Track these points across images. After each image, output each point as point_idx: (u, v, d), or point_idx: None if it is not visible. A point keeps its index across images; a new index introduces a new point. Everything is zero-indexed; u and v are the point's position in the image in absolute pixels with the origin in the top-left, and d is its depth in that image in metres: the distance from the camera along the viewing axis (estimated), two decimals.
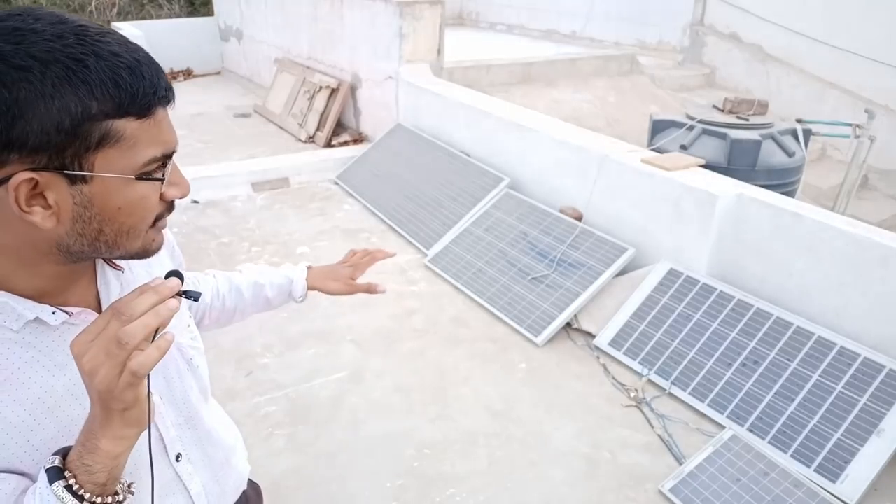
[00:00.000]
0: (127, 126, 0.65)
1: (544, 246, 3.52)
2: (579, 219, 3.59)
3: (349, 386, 2.77)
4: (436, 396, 2.73)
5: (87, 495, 0.65)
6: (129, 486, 0.71)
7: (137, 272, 0.89)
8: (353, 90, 5.98)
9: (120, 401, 0.63)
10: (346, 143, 5.84)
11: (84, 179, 0.64)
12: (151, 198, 0.70)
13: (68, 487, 0.65)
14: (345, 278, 1.28)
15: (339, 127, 6.11)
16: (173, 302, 0.64)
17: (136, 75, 0.65)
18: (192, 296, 0.69)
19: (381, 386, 2.78)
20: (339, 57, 6.06)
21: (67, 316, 0.74)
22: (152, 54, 0.70)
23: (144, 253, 0.74)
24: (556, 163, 3.87)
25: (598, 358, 3.00)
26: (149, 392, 0.75)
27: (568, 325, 3.19)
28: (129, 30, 7.87)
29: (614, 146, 3.67)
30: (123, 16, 10.57)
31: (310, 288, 1.28)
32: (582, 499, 2.24)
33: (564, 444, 2.48)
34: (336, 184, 5.05)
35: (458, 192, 4.22)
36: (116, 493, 0.69)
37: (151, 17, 10.59)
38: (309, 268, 1.30)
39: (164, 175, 0.70)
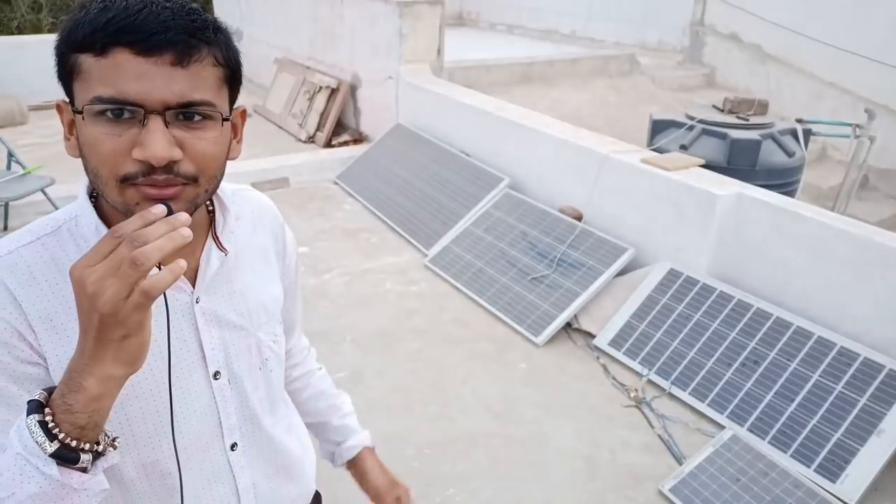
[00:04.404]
0: (85, 61, 0.66)
1: (544, 246, 3.52)
2: (579, 219, 3.59)
3: (349, 386, 2.77)
4: (435, 396, 2.73)
5: (61, 435, 0.62)
6: (113, 439, 0.68)
7: (241, 263, 0.89)
8: (353, 90, 5.98)
9: (123, 325, 0.60)
10: (346, 143, 5.84)
11: (78, 113, 0.68)
12: (104, 143, 0.66)
13: (43, 423, 0.62)
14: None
15: (339, 127, 6.11)
16: (187, 230, 0.62)
17: (106, 15, 0.65)
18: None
19: (381, 386, 2.78)
20: (339, 57, 6.06)
21: (157, 270, 0.76)
22: None
23: (128, 213, 0.67)
24: (556, 163, 3.87)
25: (598, 358, 3.00)
26: (169, 344, 0.78)
27: (568, 325, 3.19)
28: None
29: (614, 146, 3.67)
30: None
31: (355, 466, 1.19)
32: (582, 499, 2.24)
33: (564, 444, 2.48)
34: (336, 184, 5.05)
35: (458, 191, 4.22)
36: (97, 443, 0.65)
37: None
38: (372, 451, 1.22)
39: (85, 109, 0.66)
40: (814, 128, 4.19)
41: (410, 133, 5.02)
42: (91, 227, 0.76)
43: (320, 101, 6.02)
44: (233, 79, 0.75)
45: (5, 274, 0.72)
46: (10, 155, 4.13)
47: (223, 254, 0.84)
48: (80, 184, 0.77)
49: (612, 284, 3.25)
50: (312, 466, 1.09)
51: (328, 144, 5.87)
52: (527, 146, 4.07)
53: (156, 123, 0.66)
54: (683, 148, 3.73)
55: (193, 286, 0.82)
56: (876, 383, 2.38)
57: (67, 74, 0.69)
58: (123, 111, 0.66)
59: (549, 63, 6.43)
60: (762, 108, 3.97)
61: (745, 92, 6.54)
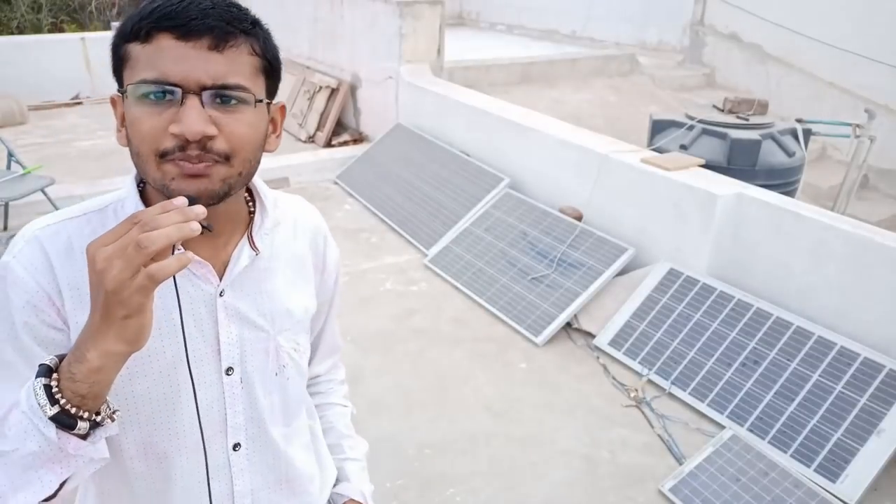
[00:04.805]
0: (133, 49, 0.72)
1: (544, 246, 3.52)
2: (579, 219, 3.59)
3: (349, 386, 2.77)
4: (436, 396, 2.73)
5: (62, 400, 0.65)
6: (113, 412, 0.71)
7: (274, 266, 0.89)
8: (353, 90, 5.98)
9: (125, 305, 0.62)
10: (346, 143, 5.84)
11: (124, 93, 0.73)
12: (144, 122, 0.70)
13: (47, 387, 0.65)
14: None
15: (339, 127, 6.11)
16: (196, 224, 0.63)
17: (152, 6, 0.70)
18: (209, 228, 0.69)
19: (381, 386, 2.78)
20: (339, 57, 6.06)
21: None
22: None
23: (164, 189, 0.72)
24: (556, 163, 3.87)
25: (598, 358, 3.00)
26: (184, 338, 0.79)
27: (568, 325, 3.19)
28: None
29: (614, 146, 3.67)
30: (123, 16, 10.57)
31: None
32: (582, 499, 2.24)
33: (564, 444, 2.48)
34: (336, 184, 5.05)
35: (458, 192, 4.22)
36: (97, 413, 0.68)
37: None
38: None
39: (129, 90, 0.71)
40: (814, 128, 4.19)
41: (410, 133, 5.02)
42: (133, 210, 0.79)
43: (320, 101, 6.01)
44: (270, 70, 0.79)
45: (47, 242, 0.77)
46: (10, 155, 4.13)
47: (254, 253, 0.86)
48: (129, 176, 0.83)
49: (612, 284, 3.25)
50: (326, 490, 1.06)
51: (328, 144, 5.87)
52: (527, 146, 4.07)
53: (192, 101, 0.70)
54: (683, 148, 3.73)
55: (222, 280, 0.84)
56: (876, 383, 2.38)
57: (119, 65, 0.74)
58: (164, 93, 0.70)
59: (549, 63, 6.43)
60: (762, 108, 3.97)
61: (745, 92, 6.54)
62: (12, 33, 9.40)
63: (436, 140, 4.78)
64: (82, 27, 10.25)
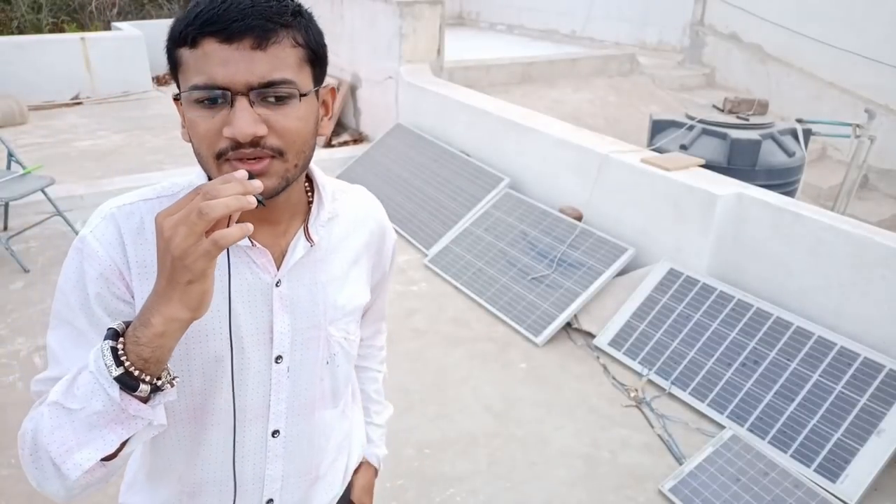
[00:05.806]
0: (183, 54, 0.74)
1: (544, 246, 3.52)
2: (579, 219, 3.59)
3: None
4: (435, 396, 2.73)
5: (126, 363, 0.68)
6: (173, 378, 0.74)
7: (329, 258, 0.92)
8: (353, 90, 5.98)
9: (190, 270, 0.65)
10: (346, 143, 5.84)
11: (178, 100, 0.77)
12: (200, 125, 0.74)
13: (114, 349, 0.68)
14: None
15: (339, 127, 6.11)
16: (252, 198, 0.66)
17: (196, 10, 0.72)
18: (262, 202, 0.72)
19: None
20: (339, 57, 6.06)
21: (251, 246, 0.83)
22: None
23: None
24: (556, 163, 3.87)
25: (598, 358, 3.00)
26: (229, 319, 0.83)
27: (568, 325, 3.19)
28: (129, 30, 7.87)
29: (614, 146, 3.67)
30: (123, 16, 10.56)
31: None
32: (582, 499, 2.24)
33: (564, 444, 2.48)
34: None
35: (458, 191, 4.22)
36: (158, 378, 0.71)
37: (151, 17, 10.58)
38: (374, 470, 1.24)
39: (183, 96, 0.75)
40: (814, 128, 4.19)
41: (410, 133, 5.02)
42: None
43: None
44: (315, 58, 0.80)
45: (122, 220, 0.81)
46: (10, 155, 4.13)
47: (309, 244, 0.88)
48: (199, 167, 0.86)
49: (612, 284, 3.25)
50: (348, 476, 1.11)
51: (328, 144, 5.87)
52: (527, 146, 4.07)
53: (241, 104, 0.72)
54: (683, 148, 3.73)
55: (279, 270, 0.87)
56: (876, 383, 2.38)
57: (174, 68, 0.77)
58: (215, 97, 0.73)
59: (549, 63, 6.43)
60: (762, 108, 3.97)
61: (745, 92, 6.54)
62: (12, 33, 9.39)
63: (436, 140, 4.78)
64: (82, 27, 10.25)
